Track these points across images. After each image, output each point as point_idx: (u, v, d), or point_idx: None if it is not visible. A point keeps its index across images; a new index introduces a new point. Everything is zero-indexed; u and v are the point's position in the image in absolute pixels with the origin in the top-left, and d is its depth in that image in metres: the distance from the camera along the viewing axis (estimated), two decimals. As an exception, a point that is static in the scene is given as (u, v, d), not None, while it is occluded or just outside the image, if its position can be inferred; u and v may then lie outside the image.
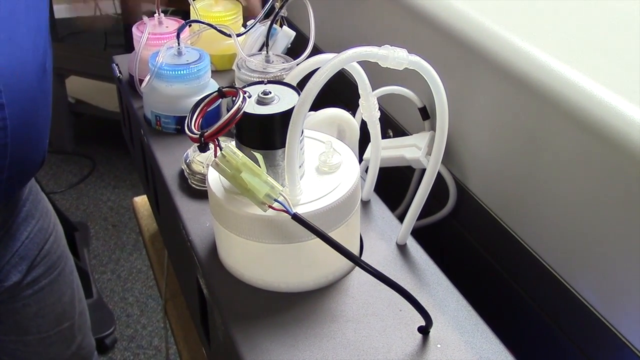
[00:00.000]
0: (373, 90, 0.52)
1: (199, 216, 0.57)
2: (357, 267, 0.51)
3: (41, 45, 0.73)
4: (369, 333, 0.46)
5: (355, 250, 0.53)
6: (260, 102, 0.46)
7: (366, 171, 0.58)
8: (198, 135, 0.43)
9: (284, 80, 0.50)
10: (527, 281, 0.56)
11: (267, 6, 0.70)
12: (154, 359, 1.67)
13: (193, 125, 0.44)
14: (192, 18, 0.74)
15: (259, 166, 0.44)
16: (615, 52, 0.54)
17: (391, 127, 0.73)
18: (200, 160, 0.60)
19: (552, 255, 0.53)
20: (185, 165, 0.61)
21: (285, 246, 0.47)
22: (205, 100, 0.46)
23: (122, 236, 2.05)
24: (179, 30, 0.67)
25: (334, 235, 0.44)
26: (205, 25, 0.69)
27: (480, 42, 0.58)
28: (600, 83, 0.48)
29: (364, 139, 0.58)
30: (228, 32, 0.69)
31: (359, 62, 0.47)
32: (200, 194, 0.59)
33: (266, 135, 0.47)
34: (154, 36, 0.73)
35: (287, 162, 0.45)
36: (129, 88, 0.77)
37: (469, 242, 0.63)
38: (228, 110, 0.43)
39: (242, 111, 0.44)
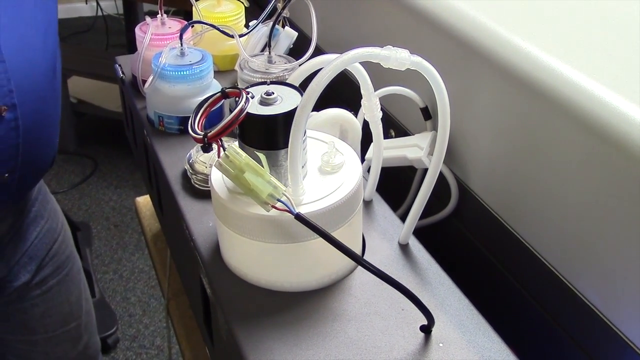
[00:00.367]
0: (375, 91, 0.52)
1: (202, 216, 0.57)
2: (359, 267, 0.51)
3: (51, 46, 0.73)
4: (372, 332, 0.46)
5: (357, 250, 0.53)
6: (263, 102, 0.47)
7: (368, 171, 0.58)
8: (201, 136, 0.43)
9: (287, 81, 0.50)
10: (529, 281, 0.56)
11: (269, 7, 0.70)
12: (156, 359, 1.67)
13: (196, 126, 0.44)
14: (194, 19, 0.74)
15: (262, 166, 0.44)
16: (616, 52, 0.54)
17: (393, 127, 0.73)
18: (203, 161, 0.60)
19: (553, 254, 0.53)
20: (188, 166, 0.61)
21: (288, 246, 0.47)
22: (209, 101, 0.46)
23: (124, 236, 2.05)
24: (182, 31, 0.67)
25: (336, 234, 0.45)
26: (208, 26, 0.70)
27: (481, 42, 0.58)
28: (601, 83, 0.48)
29: (366, 139, 0.58)
30: (230, 33, 0.69)
31: (361, 63, 0.47)
32: (203, 194, 0.59)
33: (269, 135, 0.47)
34: (157, 37, 0.73)
35: (289, 162, 0.45)
36: (132, 88, 0.77)
37: (471, 242, 0.63)
38: (231, 111, 0.44)
39: (245, 112, 0.44)
